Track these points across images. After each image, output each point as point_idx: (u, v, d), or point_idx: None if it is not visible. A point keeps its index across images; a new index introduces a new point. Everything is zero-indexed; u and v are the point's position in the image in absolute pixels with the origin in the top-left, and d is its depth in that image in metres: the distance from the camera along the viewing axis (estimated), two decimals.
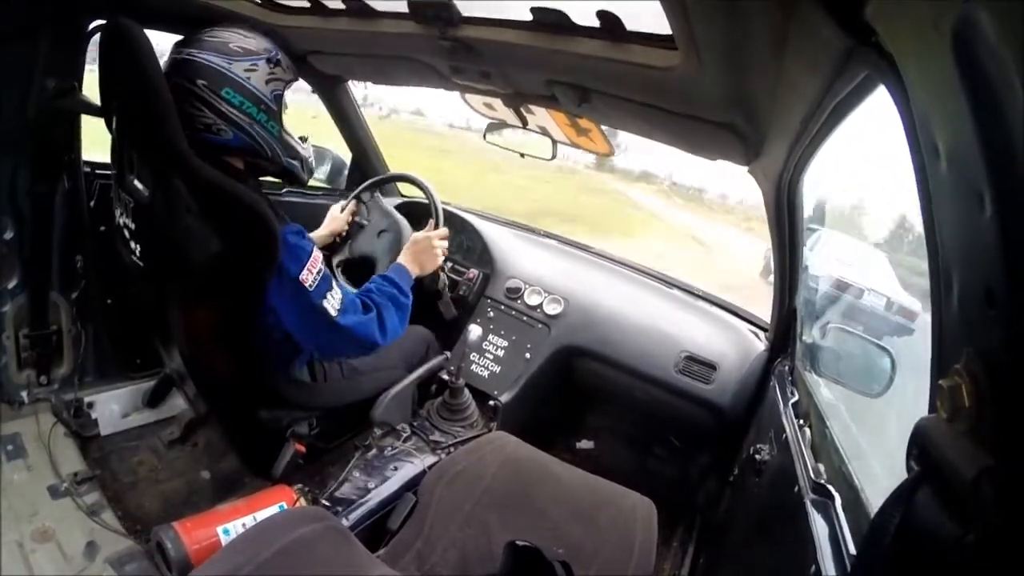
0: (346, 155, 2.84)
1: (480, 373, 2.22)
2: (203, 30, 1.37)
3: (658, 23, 1.02)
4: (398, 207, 2.19)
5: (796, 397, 1.56)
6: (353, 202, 2.19)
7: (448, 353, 2.17)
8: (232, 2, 1.72)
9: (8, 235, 1.77)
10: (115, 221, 1.51)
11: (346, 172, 2.81)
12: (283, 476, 1.64)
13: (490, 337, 2.29)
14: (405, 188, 2.85)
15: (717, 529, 2.03)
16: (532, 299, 2.33)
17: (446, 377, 2.01)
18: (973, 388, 0.50)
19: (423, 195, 2.13)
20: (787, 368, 1.82)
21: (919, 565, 0.55)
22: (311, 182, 1.77)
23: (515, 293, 2.35)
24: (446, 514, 1.47)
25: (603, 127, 1.85)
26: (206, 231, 1.30)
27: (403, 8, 1.44)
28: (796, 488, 1.15)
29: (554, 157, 2.10)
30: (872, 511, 0.93)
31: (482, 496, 1.52)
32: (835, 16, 0.75)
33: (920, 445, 0.56)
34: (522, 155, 2.18)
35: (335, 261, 2.15)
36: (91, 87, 1.61)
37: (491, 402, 2.13)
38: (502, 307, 2.35)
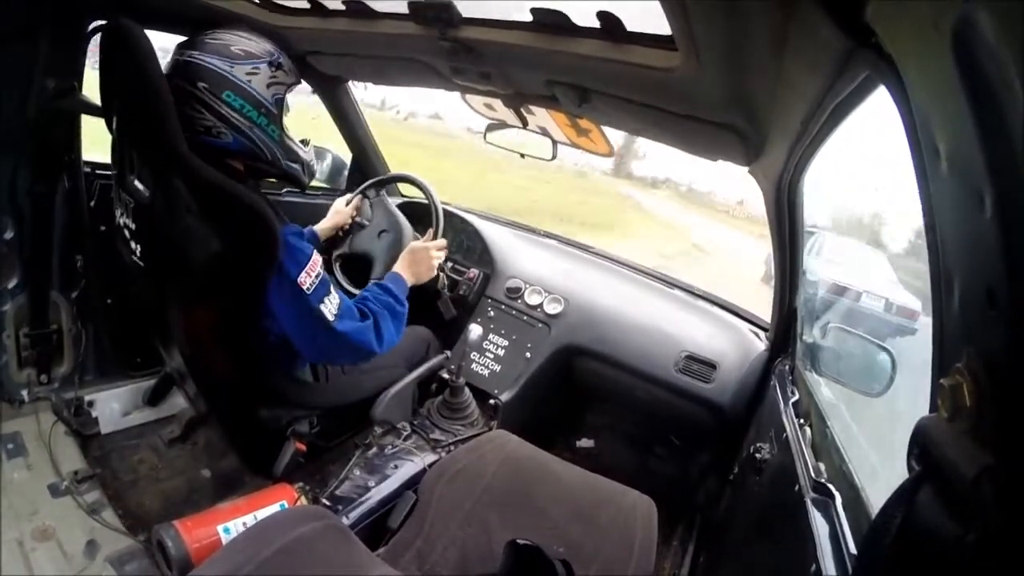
0: (346, 156, 2.83)
1: (480, 372, 2.23)
2: (206, 32, 1.37)
3: (658, 24, 1.02)
4: (399, 206, 2.19)
5: (796, 396, 1.57)
6: (358, 197, 2.19)
7: (448, 352, 2.17)
8: (232, 2, 1.72)
9: (8, 235, 1.77)
10: (115, 221, 1.51)
11: (346, 172, 2.81)
12: (284, 475, 1.64)
13: (490, 336, 2.29)
14: (406, 189, 2.85)
15: (717, 528, 2.03)
16: (532, 299, 2.33)
17: (446, 376, 2.01)
18: (974, 387, 0.50)
19: (424, 196, 2.14)
20: (787, 367, 1.82)
21: (920, 565, 0.55)
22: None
23: (515, 293, 2.35)
24: (446, 513, 1.47)
25: (606, 128, 1.85)
26: (206, 231, 1.30)
27: (403, 9, 1.43)
28: (796, 487, 1.15)
29: (554, 157, 2.09)
30: (872, 510, 0.94)
31: (482, 495, 1.52)
32: (835, 17, 0.75)
33: (921, 444, 0.57)
34: (522, 155, 2.17)
35: (334, 255, 2.15)
36: (91, 87, 1.61)
37: (491, 401, 2.13)
38: (502, 306, 2.35)
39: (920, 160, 0.65)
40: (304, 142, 1.56)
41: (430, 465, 1.71)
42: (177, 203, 1.28)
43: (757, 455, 1.55)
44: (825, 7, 0.75)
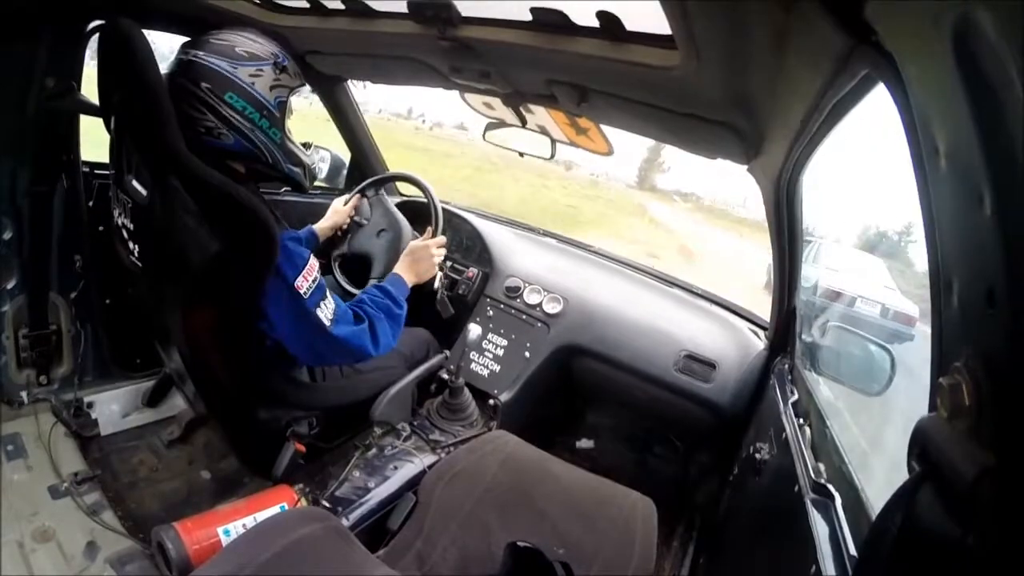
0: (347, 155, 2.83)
1: (480, 372, 2.23)
2: (211, 32, 1.37)
3: (657, 23, 1.02)
4: (398, 206, 2.19)
5: (796, 396, 1.56)
6: (356, 196, 2.19)
7: (448, 352, 2.17)
8: (231, 2, 1.72)
9: (7, 235, 1.77)
10: (113, 221, 1.51)
11: (345, 172, 2.81)
12: (283, 476, 1.64)
13: (489, 336, 2.29)
14: (405, 188, 2.85)
15: (717, 528, 2.03)
16: (531, 298, 2.33)
17: (446, 376, 2.01)
18: (973, 387, 0.50)
19: (423, 195, 2.14)
20: (787, 367, 1.82)
21: (920, 565, 0.55)
22: None
23: (514, 292, 2.35)
24: (446, 514, 1.47)
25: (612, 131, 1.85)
26: (204, 232, 1.30)
27: (402, 8, 1.43)
28: (796, 487, 1.15)
29: (552, 156, 2.10)
30: (872, 511, 0.94)
31: (482, 496, 1.52)
32: (835, 15, 0.75)
33: (920, 444, 0.56)
34: (521, 154, 2.17)
35: (333, 255, 2.15)
36: (91, 88, 1.61)
37: (491, 401, 2.13)
38: (501, 306, 2.35)
39: (919, 158, 0.64)
40: (306, 145, 1.56)
41: (430, 466, 1.71)
42: (175, 204, 1.28)
43: (757, 455, 1.55)
44: (825, 5, 0.75)
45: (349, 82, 2.53)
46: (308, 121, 1.81)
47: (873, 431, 1.60)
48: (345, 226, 2.17)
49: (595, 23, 1.18)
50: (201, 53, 1.33)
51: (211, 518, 1.46)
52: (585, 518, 1.50)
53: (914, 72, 0.64)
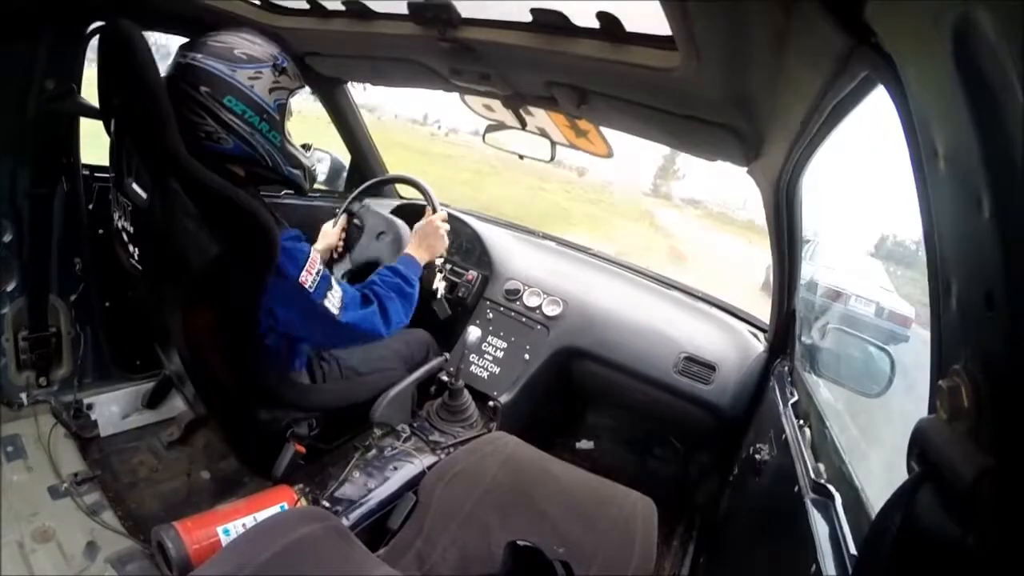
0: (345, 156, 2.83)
1: (479, 374, 2.23)
2: (210, 34, 1.37)
3: (658, 24, 1.02)
4: (396, 209, 2.19)
5: (796, 397, 1.57)
6: (343, 216, 2.19)
7: (447, 354, 2.17)
8: (230, 3, 1.72)
9: (7, 238, 1.77)
10: (113, 224, 1.51)
11: (344, 174, 2.81)
12: (283, 476, 1.64)
13: (489, 338, 2.29)
14: (404, 190, 2.85)
15: (717, 529, 2.03)
16: (531, 300, 2.33)
17: (445, 378, 2.01)
18: (972, 389, 0.50)
19: (419, 198, 2.14)
20: (786, 368, 1.82)
21: (920, 566, 0.55)
22: None
23: (514, 294, 2.35)
24: (446, 514, 1.47)
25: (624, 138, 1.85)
26: (204, 235, 1.30)
27: (402, 9, 1.43)
28: (796, 488, 1.15)
29: (552, 158, 2.10)
30: (872, 511, 0.94)
31: (482, 496, 1.52)
32: (835, 16, 0.75)
33: (920, 446, 0.57)
34: (521, 156, 2.18)
35: (338, 275, 2.15)
36: (91, 92, 1.61)
37: (490, 403, 2.13)
38: (501, 308, 2.35)
39: (918, 160, 0.65)
40: (306, 147, 1.56)
41: (429, 467, 1.71)
42: (175, 207, 1.28)
43: (756, 456, 1.55)
44: (825, 6, 0.75)
45: (348, 84, 2.53)
46: (308, 123, 1.81)
47: (873, 432, 1.59)
48: (339, 248, 2.17)
49: (595, 24, 1.18)
50: (199, 56, 1.32)
51: (211, 518, 1.46)
52: (585, 518, 1.50)
53: (913, 73, 0.64)
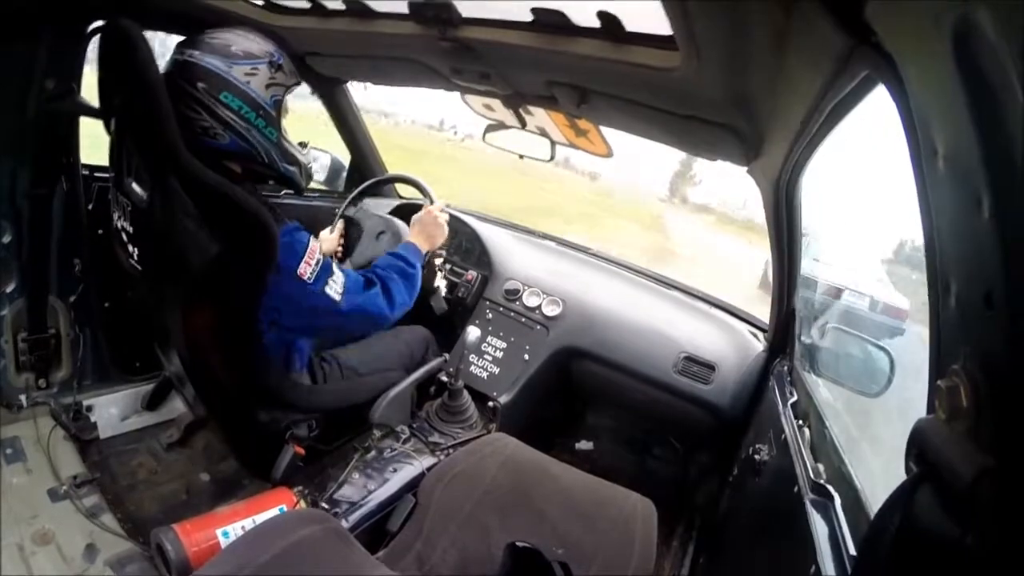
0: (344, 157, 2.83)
1: (479, 374, 2.22)
2: (207, 31, 1.37)
3: (658, 24, 1.02)
4: (395, 209, 2.19)
5: (795, 397, 1.57)
6: (340, 222, 2.19)
7: (447, 355, 2.16)
8: (231, 3, 1.72)
9: (6, 238, 1.77)
10: (113, 224, 1.51)
11: (344, 174, 2.81)
12: (282, 478, 1.64)
13: (489, 338, 2.29)
14: (403, 190, 2.85)
15: (717, 529, 2.03)
16: (531, 300, 2.33)
17: (445, 379, 2.01)
18: (971, 389, 0.50)
19: (420, 197, 2.14)
20: (786, 368, 1.82)
21: (919, 566, 0.55)
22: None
23: (514, 295, 2.35)
24: (446, 515, 1.47)
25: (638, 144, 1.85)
26: (204, 234, 1.30)
27: (403, 9, 1.43)
28: (795, 488, 1.15)
29: (552, 158, 2.10)
30: (871, 511, 0.94)
31: (482, 497, 1.52)
32: (835, 16, 0.75)
33: (919, 446, 0.57)
34: (520, 156, 2.18)
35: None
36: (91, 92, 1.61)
37: (490, 403, 2.13)
38: (500, 309, 2.35)
39: (918, 160, 0.64)
40: (302, 145, 1.56)
41: (429, 468, 1.71)
42: (174, 206, 1.28)
43: (756, 456, 1.55)
44: (825, 6, 0.75)
45: (348, 84, 2.53)
46: (306, 122, 1.82)
47: (872, 432, 1.59)
48: (338, 252, 2.17)
49: (596, 24, 1.18)
50: (196, 53, 1.33)
51: (210, 520, 1.46)
52: (585, 519, 1.50)
53: (914, 73, 0.64)
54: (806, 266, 1.81)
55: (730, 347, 2.20)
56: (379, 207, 2.16)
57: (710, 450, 2.35)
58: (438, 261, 2.07)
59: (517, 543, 1.25)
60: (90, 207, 1.91)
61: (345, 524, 1.51)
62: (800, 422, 1.43)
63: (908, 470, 0.58)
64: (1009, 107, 0.43)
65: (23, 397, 1.92)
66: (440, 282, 2.22)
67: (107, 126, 1.47)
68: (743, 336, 2.26)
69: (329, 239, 2.15)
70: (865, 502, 1.02)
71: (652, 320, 2.28)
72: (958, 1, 0.47)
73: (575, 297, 2.32)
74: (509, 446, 1.75)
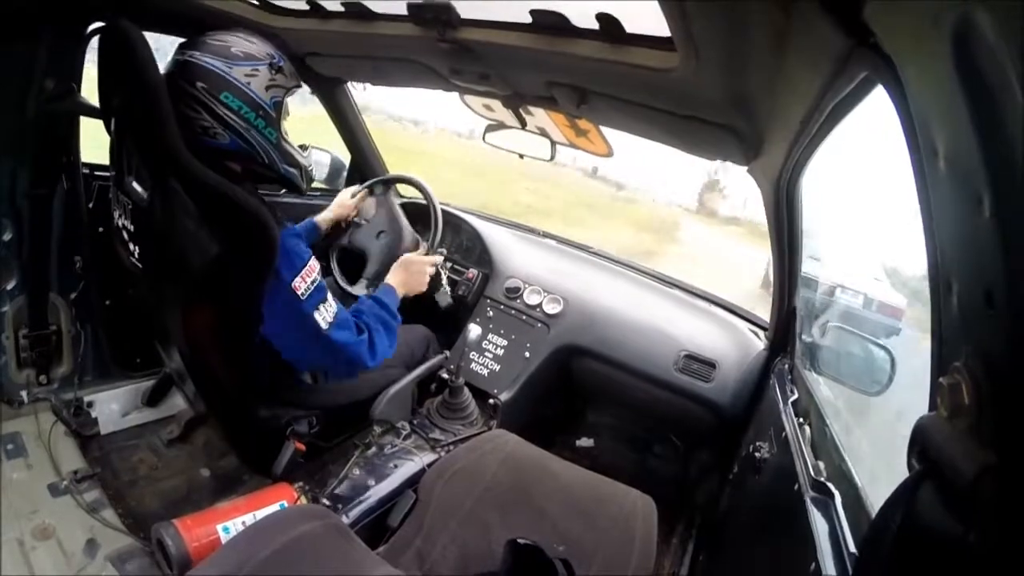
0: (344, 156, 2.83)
1: (480, 372, 2.23)
2: (208, 33, 1.37)
3: (657, 25, 1.02)
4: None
5: (796, 395, 1.57)
6: (364, 192, 2.18)
7: (448, 352, 2.17)
8: (230, 4, 1.72)
9: (7, 236, 1.77)
10: (113, 223, 1.51)
11: (345, 174, 2.81)
12: (283, 474, 1.64)
13: (489, 336, 2.29)
14: (404, 189, 2.85)
15: (717, 527, 2.03)
16: (531, 298, 2.34)
17: (446, 376, 2.01)
18: (973, 386, 0.50)
19: (424, 200, 2.13)
20: (787, 366, 1.82)
21: (920, 564, 0.55)
22: None
23: (514, 293, 2.35)
24: (446, 512, 1.47)
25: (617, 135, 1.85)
26: (204, 234, 1.30)
27: (402, 10, 1.44)
28: (796, 486, 1.15)
29: (552, 158, 2.10)
30: (872, 509, 0.94)
31: (482, 494, 1.52)
32: (834, 16, 0.75)
33: (920, 443, 0.57)
34: (521, 156, 2.18)
35: (333, 244, 2.16)
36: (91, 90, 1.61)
37: (491, 401, 2.14)
38: (501, 306, 2.35)
39: (918, 160, 0.65)
40: (303, 147, 1.56)
41: (429, 465, 1.71)
42: (175, 205, 1.28)
43: (756, 454, 1.55)
44: (824, 7, 0.75)
45: (348, 84, 2.53)
46: (306, 122, 1.82)
47: (873, 430, 1.60)
48: (348, 220, 2.17)
49: (595, 25, 1.18)
50: (197, 53, 1.33)
51: (211, 515, 1.46)
52: (585, 516, 1.50)
53: (913, 74, 0.64)
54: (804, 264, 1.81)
55: (731, 345, 2.21)
56: (368, 210, 2.16)
57: (711, 448, 2.36)
58: (439, 260, 2.07)
59: (517, 540, 1.25)
60: (91, 205, 1.91)
61: (345, 520, 1.51)
62: (801, 420, 1.43)
63: (910, 467, 0.58)
64: (1009, 107, 0.44)
65: (24, 393, 1.92)
66: (443, 279, 2.22)
67: (107, 125, 1.47)
68: (744, 334, 2.26)
69: (348, 204, 2.15)
70: (865, 500, 1.02)
71: (653, 318, 2.28)
72: (957, 1, 0.47)
73: (576, 295, 2.33)
74: (510, 443, 1.75)
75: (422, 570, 1.35)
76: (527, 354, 2.23)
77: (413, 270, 1.85)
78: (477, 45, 1.44)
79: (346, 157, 2.79)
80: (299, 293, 1.40)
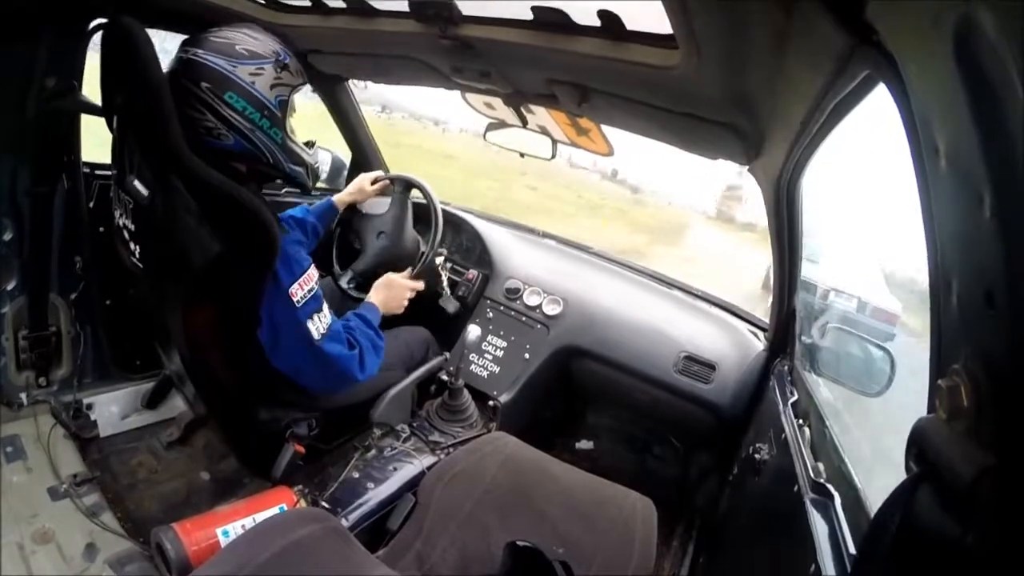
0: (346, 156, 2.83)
1: (479, 373, 2.23)
2: (212, 29, 1.37)
3: (658, 23, 1.02)
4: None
5: (795, 397, 1.57)
6: (386, 182, 2.16)
7: (447, 354, 2.17)
8: (233, 1, 1.72)
9: (7, 236, 1.77)
10: (114, 222, 1.51)
11: (346, 172, 2.81)
12: (283, 477, 1.64)
13: (489, 337, 2.29)
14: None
15: (717, 528, 2.03)
16: (531, 299, 2.34)
17: (445, 378, 2.01)
18: (972, 388, 0.50)
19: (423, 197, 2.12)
20: (786, 368, 1.82)
21: (919, 565, 0.55)
22: None
23: (514, 293, 2.35)
24: (446, 514, 1.47)
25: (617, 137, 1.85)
26: (206, 232, 1.29)
27: (404, 7, 1.43)
28: (796, 487, 1.15)
29: (553, 157, 2.09)
30: (872, 510, 0.93)
31: (482, 496, 1.52)
32: (836, 15, 0.75)
33: (919, 445, 0.56)
34: (522, 155, 2.17)
35: (343, 217, 2.13)
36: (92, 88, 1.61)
37: (490, 402, 2.14)
38: (501, 307, 2.35)
39: (920, 159, 0.64)
40: (309, 144, 1.55)
41: (429, 467, 1.71)
42: (176, 204, 1.28)
43: (756, 455, 1.55)
44: (826, 6, 0.75)
45: (349, 82, 2.53)
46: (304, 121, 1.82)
47: (872, 431, 1.59)
48: (362, 204, 2.15)
49: (596, 22, 1.18)
50: (201, 51, 1.32)
51: (210, 519, 1.46)
52: (585, 518, 1.50)
53: (915, 72, 0.64)
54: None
55: (730, 346, 2.20)
56: (380, 205, 2.15)
57: (710, 449, 2.35)
58: (439, 260, 2.06)
59: (517, 542, 1.25)
60: (91, 205, 1.91)
61: (345, 523, 1.51)
62: (800, 421, 1.43)
63: (908, 469, 0.58)
64: (1010, 106, 0.43)
65: (23, 395, 1.92)
66: (444, 282, 2.22)
67: (109, 124, 1.46)
68: (743, 335, 2.26)
69: (366, 191, 2.11)
70: (865, 501, 1.02)
71: (652, 319, 2.28)
72: (959, 1, 0.47)
73: (576, 296, 2.32)
74: (509, 445, 1.75)
75: (422, 572, 1.34)
76: (527, 355, 2.23)
77: (394, 292, 1.84)
78: (478, 42, 1.44)
79: (346, 156, 2.79)
80: (295, 300, 1.40)
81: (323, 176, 2.59)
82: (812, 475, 1.14)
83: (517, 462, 1.68)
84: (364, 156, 2.78)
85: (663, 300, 2.44)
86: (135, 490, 1.92)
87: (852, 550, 0.91)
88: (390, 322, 1.86)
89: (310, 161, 1.54)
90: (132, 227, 1.44)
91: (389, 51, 1.78)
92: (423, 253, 2.03)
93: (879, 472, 1.09)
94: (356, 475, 1.68)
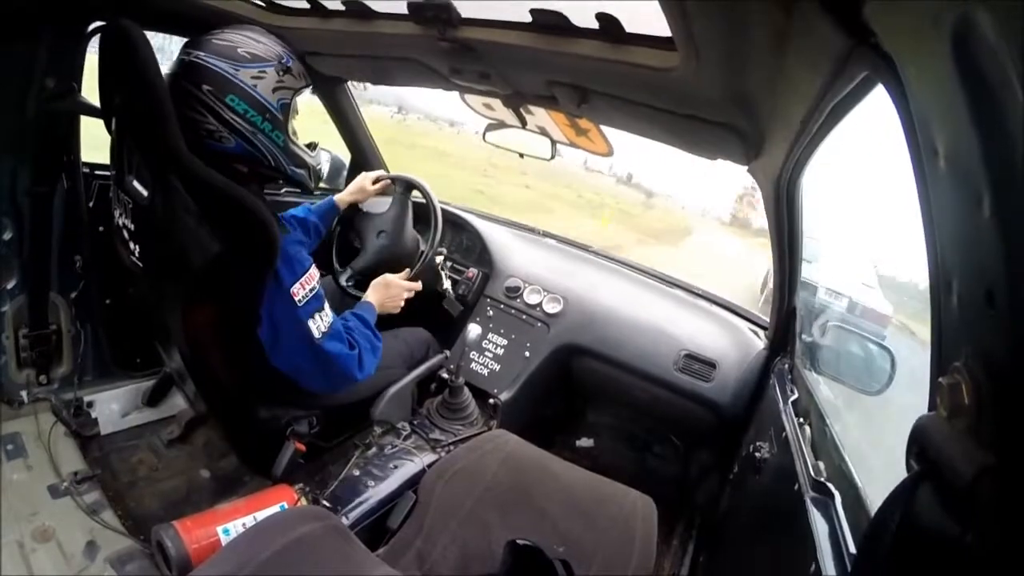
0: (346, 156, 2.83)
1: (480, 371, 2.23)
2: (214, 32, 1.37)
3: (657, 25, 1.02)
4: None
5: (796, 395, 1.57)
6: (387, 181, 2.16)
7: (448, 352, 2.17)
8: (232, 3, 1.72)
9: (7, 235, 1.77)
10: (114, 222, 1.51)
11: (345, 173, 2.81)
12: (283, 475, 1.64)
13: (489, 336, 2.29)
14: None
15: (717, 527, 2.03)
16: (531, 298, 2.34)
17: (446, 376, 2.01)
18: (972, 387, 0.50)
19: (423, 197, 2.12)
20: (787, 366, 1.82)
21: (919, 563, 0.55)
22: None
23: (514, 292, 2.35)
24: (446, 512, 1.47)
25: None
26: (205, 232, 1.30)
27: (402, 9, 1.43)
28: (796, 486, 1.15)
29: (553, 157, 2.09)
30: (872, 509, 0.94)
31: (482, 494, 1.52)
32: (834, 16, 0.75)
33: (919, 443, 0.57)
34: (521, 155, 2.17)
35: (344, 215, 2.13)
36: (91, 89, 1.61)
37: (491, 400, 2.14)
38: (501, 306, 2.35)
39: (919, 160, 0.65)
40: (311, 146, 1.56)
41: (429, 465, 1.71)
42: (175, 204, 1.28)
43: (757, 454, 1.55)
44: (824, 7, 0.75)
45: (349, 83, 2.53)
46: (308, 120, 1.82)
47: (873, 429, 1.60)
48: (361, 203, 2.15)
49: (595, 25, 1.17)
50: (202, 54, 1.32)
51: (211, 517, 1.46)
52: (585, 516, 1.50)
53: (913, 73, 0.64)
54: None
55: (731, 345, 2.21)
56: (381, 204, 2.15)
57: (711, 448, 2.36)
58: (439, 259, 2.06)
59: (518, 540, 1.26)
60: (91, 204, 1.91)
61: (346, 521, 1.52)
62: (801, 420, 1.43)
63: (909, 468, 0.58)
64: (1009, 107, 0.43)
65: (24, 393, 1.92)
66: (446, 282, 2.22)
67: (108, 125, 1.46)
68: (744, 334, 2.26)
69: (367, 191, 2.12)
70: (865, 500, 1.02)
71: (653, 318, 2.28)
72: (958, 1, 0.47)
73: (576, 294, 2.33)
74: (510, 443, 1.75)
75: (422, 570, 1.35)
76: (527, 353, 2.24)
77: (391, 293, 1.85)
78: (477, 44, 1.43)
79: (346, 156, 2.79)
80: (296, 299, 1.40)
81: (323, 176, 2.59)
82: (812, 474, 1.15)
83: (517, 460, 1.68)
84: (364, 157, 2.78)
85: (663, 298, 2.44)
86: (135, 488, 1.92)
87: (852, 549, 0.91)
88: (391, 322, 1.86)
89: (312, 163, 1.54)
90: (131, 227, 1.44)
91: (388, 53, 1.77)
92: (422, 252, 2.04)
93: (879, 471, 1.09)
94: (356, 473, 1.68)
